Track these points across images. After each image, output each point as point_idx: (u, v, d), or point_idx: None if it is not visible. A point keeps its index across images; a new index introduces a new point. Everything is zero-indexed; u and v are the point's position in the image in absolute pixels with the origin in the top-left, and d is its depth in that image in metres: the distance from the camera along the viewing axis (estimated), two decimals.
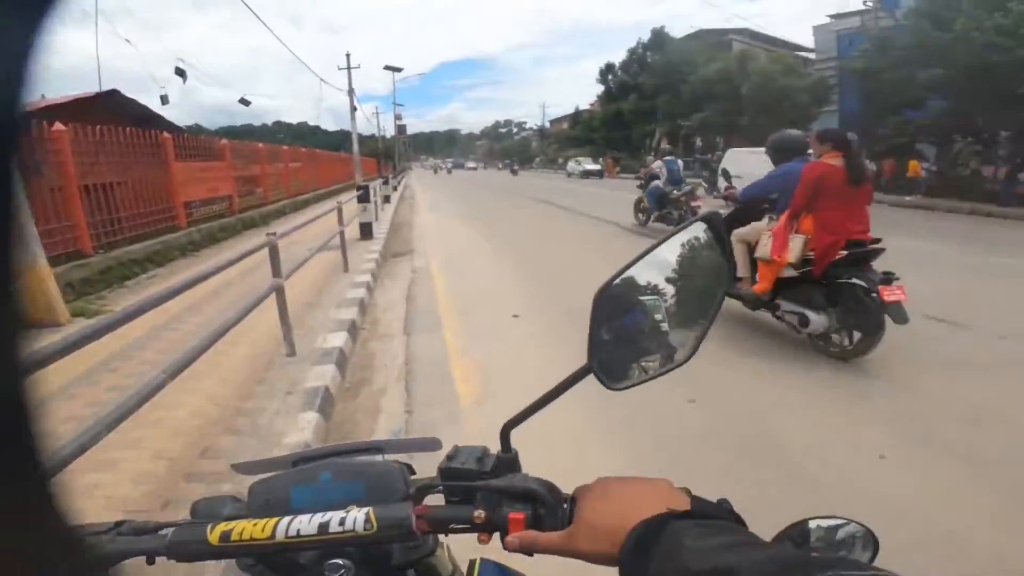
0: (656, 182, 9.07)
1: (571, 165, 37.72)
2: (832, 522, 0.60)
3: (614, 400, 0.98)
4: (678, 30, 41.24)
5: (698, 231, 0.59)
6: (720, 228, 0.59)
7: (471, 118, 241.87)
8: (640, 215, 9.85)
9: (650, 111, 34.85)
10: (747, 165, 10.36)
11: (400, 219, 12.78)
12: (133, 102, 9.85)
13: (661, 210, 9.02)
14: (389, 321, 4.87)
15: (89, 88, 9.64)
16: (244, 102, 20.79)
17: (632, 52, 38.56)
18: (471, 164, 68.68)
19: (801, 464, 2.45)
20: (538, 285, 5.98)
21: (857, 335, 3.53)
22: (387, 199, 14.36)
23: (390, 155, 47.07)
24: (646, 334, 0.58)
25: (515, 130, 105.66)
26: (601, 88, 41.72)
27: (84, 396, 3.11)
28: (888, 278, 3.32)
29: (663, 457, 2.55)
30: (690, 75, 29.76)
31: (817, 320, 3.61)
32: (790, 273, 3.75)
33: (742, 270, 4.09)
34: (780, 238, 3.71)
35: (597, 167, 35.29)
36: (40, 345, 1.53)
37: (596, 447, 2.64)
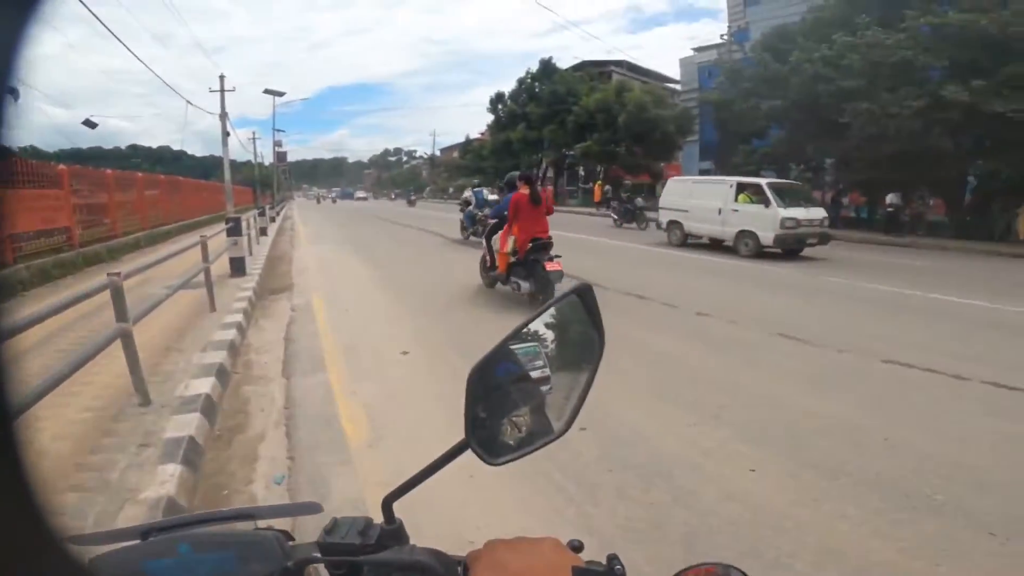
0: (469, 207, 13.16)
1: (468, 194, 36.15)
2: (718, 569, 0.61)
3: None
4: (564, 61, 43.04)
5: (571, 305, 0.60)
6: (592, 302, 0.60)
7: (359, 145, 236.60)
8: (462, 232, 13.31)
9: (537, 140, 36.12)
10: (693, 195, 12.08)
11: (278, 252, 12.12)
12: None
13: (472, 227, 12.57)
14: (265, 363, 4.52)
15: None
16: (89, 124, 18.31)
17: (521, 82, 39.83)
18: (361, 194, 65.24)
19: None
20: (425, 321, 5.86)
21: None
22: (263, 231, 13.40)
23: (268, 184, 44.44)
24: (522, 409, 0.58)
25: (405, 158, 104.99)
26: (491, 117, 42.60)
27: None
28: (551, 257, 5.96)
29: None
30: (574, 105, 31.33)
31: (524, 285, 6.19)
32: (512, 260, 6.25)
33: (494, 263, 6.71)
34: (503, 238, 6.39)
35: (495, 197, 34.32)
36: None
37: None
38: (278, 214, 23.83)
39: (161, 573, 0.52)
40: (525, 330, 0.57)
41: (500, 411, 0.56)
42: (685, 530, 2.25)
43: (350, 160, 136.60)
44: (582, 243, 12.57)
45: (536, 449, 0.57)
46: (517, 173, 6.79)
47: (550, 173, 39.04)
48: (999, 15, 11.82)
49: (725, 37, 27.82)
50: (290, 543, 0.57)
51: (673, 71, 40.43)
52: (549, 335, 0.59)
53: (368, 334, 5.35)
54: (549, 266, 5.82)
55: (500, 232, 6.52)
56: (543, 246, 6.07)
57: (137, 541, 0.57)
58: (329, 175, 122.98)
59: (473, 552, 0.53)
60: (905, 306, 6.57)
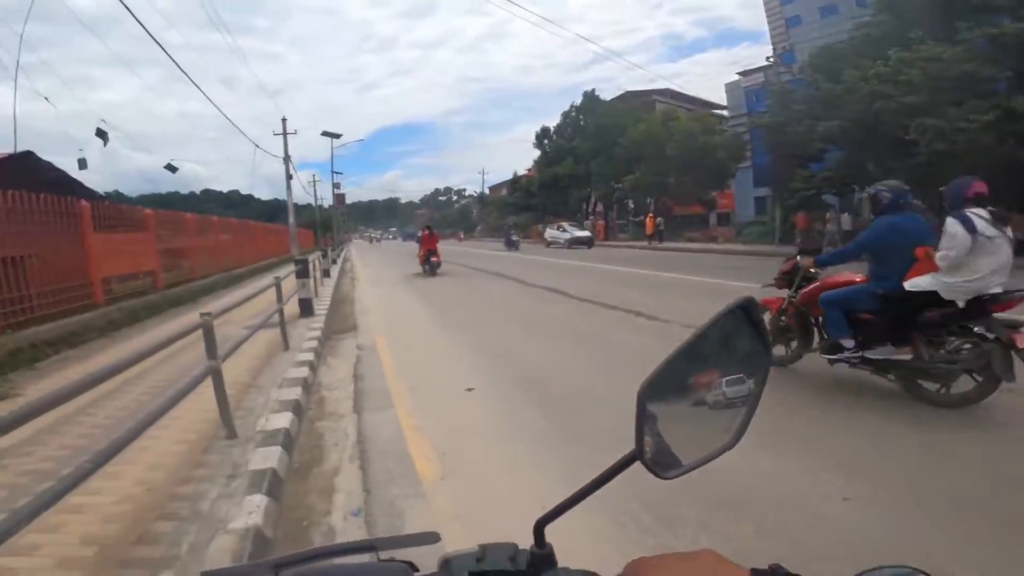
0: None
1: (551, 232, 30.76)
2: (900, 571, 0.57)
3: None
4: (608, 92, 43.08)
5: (735, 318, 0.60)
6: (755, 313, 0.60)
7: (411, 186, 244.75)
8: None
9: (585, 174, 35.91)
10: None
11: (341, 294, 12.55)
12: (49, 165, 9.17)
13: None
14: (337, 400, 4.67)
15: (3, 148, 8.93)
16: (171, 168, 19.95)
17: (566, 116, 40.04)
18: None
19: None
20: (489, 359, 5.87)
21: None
22: (327, 273, 13.96)
23: (328, 226, 46.49)
24: (692, 420, 0.58)
25: (455, 197, 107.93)
26: (538, 153, 42.79)
27: None
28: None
29: None
30: (620, 137, 30.91)
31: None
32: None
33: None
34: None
35: (586, 233, 29.51)
36: None
37: None
38: (339, 256, 24.55)
39: None
40: (692, 344, 0.57)
41: (669, 425, 0.56)
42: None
43: (402, 200, 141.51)
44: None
45: (706, 462, 0.57)
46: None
47: (599, 207, 38.72)
48: None
49: (772, 59, 27.26)
50: (416, 573, 0.58)
51: (718, 96, 39.67)
52: (715, 348, 0.59)
53: (431, 371, 5.43)
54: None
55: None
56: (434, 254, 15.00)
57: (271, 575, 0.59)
58: (384, 216, 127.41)
59: (625, 572, 0.51)
60: None
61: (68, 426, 3.77)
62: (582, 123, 38.01)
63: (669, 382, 0.56)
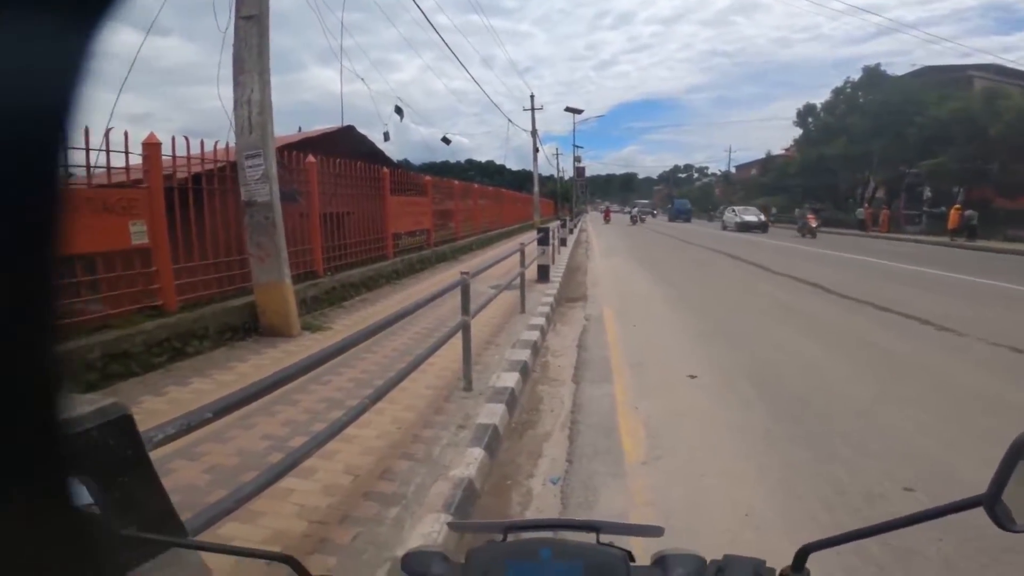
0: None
1: (728, 215, 31.53)
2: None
3: None
4: (896, 68, 35.12)
5: None
6: None
7: (648, 162, 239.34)
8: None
9: (862, 156, 30.58)
10: None
11: (575, 263, 12.84)
12: (363, 138, 11.21)
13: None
14: (559, 367, 4.86)
15: (331, 123, 11.19)
16: (446, 140, 22.94)
17: (838, 92, 34.49)
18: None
19: None
20: (719, 347, 5.51)
21: None
22: (563, 242, 14.47)
23: (567, 197, 48.46)
24: None
25: (696, 175, 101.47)
26: (799, 131, 37.99)
27: (281, 414, 3.43)
28: None
29: None
30: (916, 116, 25.65)
31: None
32: None
33: None
34: None
35: (757, 218, 29.10)
36: (288, 364, 1.80)
37: None
38: (575, 227, 25.21)
39: (521, 572, 0.56)
40: None
41: None
42: None
43: (640, 176, 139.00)
44: None
45: None
46: None
47: (879, 193, 32.48)
48: None
49: None
50: (632, 563, 0.57)
51: None
52: None
53: (656, 351, 5.33)
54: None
55: None
56: None
57: (499, 536, 0.62)
58: (620, 190, 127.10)
59: None
60: None
61: (355, 360, 4.43)
62: (860, 100, 31.99)
63: None
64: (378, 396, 2.61)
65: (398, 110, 14.75)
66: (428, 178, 12.40)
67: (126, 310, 4.36)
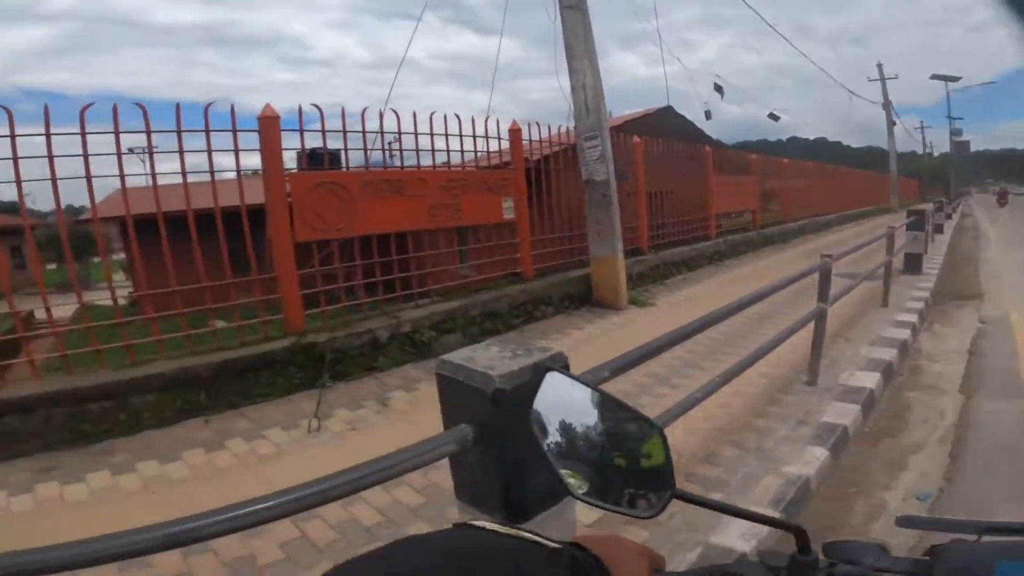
0: None
1: None
2: None
3: None
4: None
5: None
6: None
7: None
8: None
9: None
10: None
11: (959, 253, 10.47)
12: (681, 118, 11.09)
13: None
14: (939, 374, 4.03)
15: (638, 107, 11.41)
16: (773, 117, 20.77)
17: None
18: None
19: None
20: None
21: None
22: (939, 229, 11.74)
23: (939, 176, 38.14)
24: None
25: None
26: None
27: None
28: None
29: None
30: None
31: None
32: None
33: None
34: None
35: None
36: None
37: None
38: (955, 211, 20.50)
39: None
40: None
41: None
42: None
43: None
44: None
45: None
46: None
47: None
48: None
49: None
50: None
51: None
52: None
53: None
54: None
55: None
56: None
57: (972, 536, 0.55)
58: (1016, 171, 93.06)
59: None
60: None
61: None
62: None
63: None
64: (731, 376, 2.53)
65: (718, 88, 14.29)
66: (753, 156, 11.60)
67: (496, 275, 5.28)
